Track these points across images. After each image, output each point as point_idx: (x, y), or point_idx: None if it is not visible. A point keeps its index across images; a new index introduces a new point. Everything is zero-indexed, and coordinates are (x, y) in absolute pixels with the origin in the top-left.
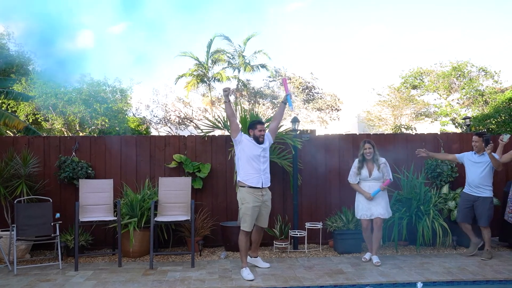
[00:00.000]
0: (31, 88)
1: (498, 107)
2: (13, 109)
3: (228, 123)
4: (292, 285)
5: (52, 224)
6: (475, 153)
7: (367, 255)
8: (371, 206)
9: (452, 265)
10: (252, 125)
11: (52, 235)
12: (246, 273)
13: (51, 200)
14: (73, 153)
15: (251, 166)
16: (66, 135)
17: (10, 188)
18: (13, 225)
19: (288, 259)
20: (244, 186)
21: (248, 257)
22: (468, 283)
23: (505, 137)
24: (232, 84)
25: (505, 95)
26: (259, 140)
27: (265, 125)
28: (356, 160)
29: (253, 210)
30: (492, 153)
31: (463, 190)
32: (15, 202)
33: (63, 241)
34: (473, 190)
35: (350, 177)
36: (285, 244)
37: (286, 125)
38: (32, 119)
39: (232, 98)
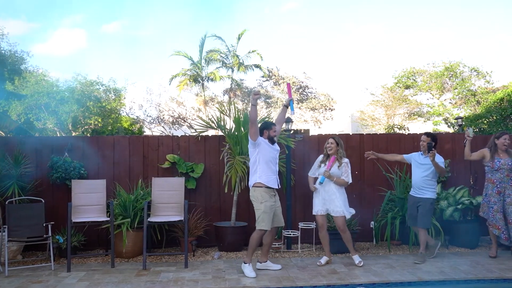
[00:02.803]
0: (23, 88)
1: (490, 107)
2: (5, 109)
3: (250, 126)
4: (286, 285)
5: (44, 224)
6: (421, 154)
7: (322, 259)
8: (325, 201)
9: (444, 264)
10: (268, 125)
11: (44, 235)
12: (249, 270)
13: (43, 201)
14: (66, 153)
15: (270, 168)
16: (58, 135)
17: (1, 189)
18: (4, 226)
19: (281, 259)
20: (261, 187)
21: (257, 263)
22: (460, 282)
23: (470, 132)
24: (226, 84)
25: (497, 95)
26: (273, 140)
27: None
28: (321, 155)
29: (271, 209)
30: (436, 161)
31: (409, 193)
32: (6, 202)
33: (55, 242)
34: (416, 192)
35: (311, 170)
36: (278, 244)
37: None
38: (24, 119)
39: (226, 98)
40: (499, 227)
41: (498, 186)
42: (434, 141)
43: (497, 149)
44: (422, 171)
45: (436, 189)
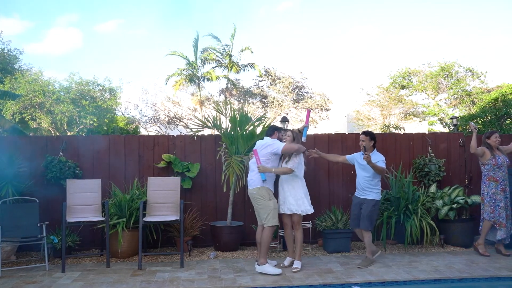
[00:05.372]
0: (17, 87)
1: (485, 107)
2: None
3: (294, 148)
4: (282, 284)
5: (38, 224)
6: (362, 154)
7: (286, 261)
8: (284, 200)
9: (439, 263)
10: (279, 128)
11: (39, 236)
12: (271, 268)
13: (37, 201)
14: (60, 153)
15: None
16: (53, 135)
17: None
18: None
19: (277, 258)
20: (267, 186)
21: (257, 265)
22: (455, 281)
23: (474, 124)
24: (222, 84)
25: (491, 95)
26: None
27: (257, 124)
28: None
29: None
30: (374, 160)
31: (354, 194)
32: (0, 202)
33: (49, 242)
34: (360, 193)
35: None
36: (274, 244)
37: (276, 125)
38: (19, 118)
39: (222, 97)
40: (505, 224)
41: (501, 183)
42: (373, 139)
43: (492, 147)
44: (364, 172)
45: (380, 190)
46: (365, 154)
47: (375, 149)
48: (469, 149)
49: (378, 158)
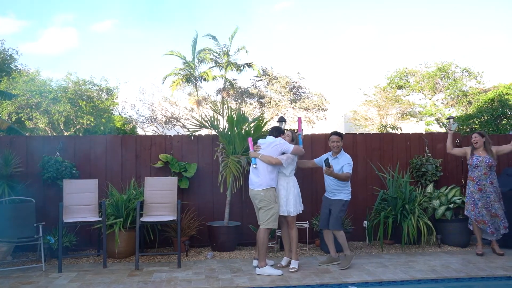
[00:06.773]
0: (13, 87)
1: (481, 107)
2: None
3: (298, 151)
4: (279, 284)
5: (35, 225)
6: (331, 155)
7: (283, 261)
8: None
9: (436, 263)
10: (283, 131)
11: (35, 236)
12: (271, 269)
13: (34, 201)
14: (57, 153)
15: (277, 171)
16: (50, 135)
17: None
18: None
19: (274, 258)
20: (274, 187)
21: (257, 268)
22: (452, 281)
23: (453, 126)
24: (219, 84)
25: (488, 95)
26: None
27: (253, 124)
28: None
29: None
30: (344, 162)
31: (324, 194)
32: None
33: (46, 243)
34: (330, 194)
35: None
36: (271, 244)
37: (273, 124)
38: (15, 118)
39: (219, 97)
40: (486, 221)
41: (477, 183)
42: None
43: (475, 147)
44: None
45: (349, 190)
46: (326, 168)
47: (342, 149)
48: None
49: (346, 161)
